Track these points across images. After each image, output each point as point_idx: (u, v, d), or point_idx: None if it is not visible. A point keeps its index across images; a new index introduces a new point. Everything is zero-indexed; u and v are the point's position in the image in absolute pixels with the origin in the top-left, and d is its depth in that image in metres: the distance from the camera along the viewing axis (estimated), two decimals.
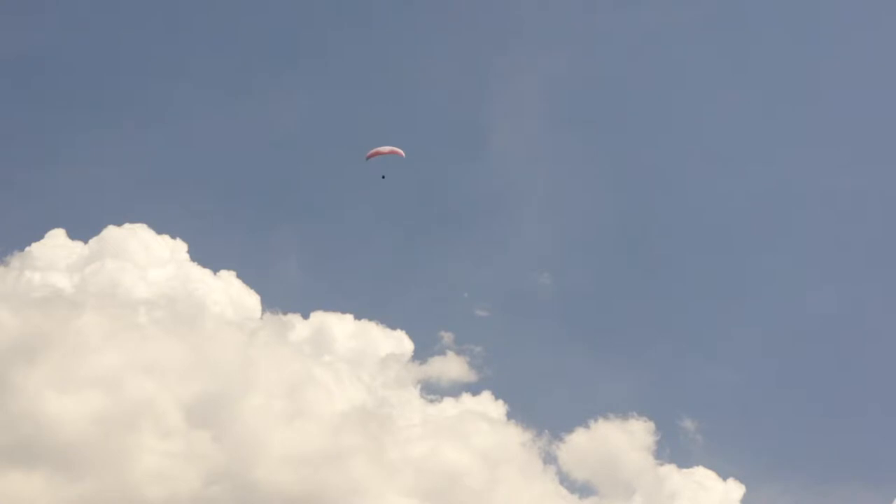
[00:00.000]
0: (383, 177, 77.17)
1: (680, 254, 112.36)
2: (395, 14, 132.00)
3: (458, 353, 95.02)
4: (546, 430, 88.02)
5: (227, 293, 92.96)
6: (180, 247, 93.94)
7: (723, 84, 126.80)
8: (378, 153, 74.17)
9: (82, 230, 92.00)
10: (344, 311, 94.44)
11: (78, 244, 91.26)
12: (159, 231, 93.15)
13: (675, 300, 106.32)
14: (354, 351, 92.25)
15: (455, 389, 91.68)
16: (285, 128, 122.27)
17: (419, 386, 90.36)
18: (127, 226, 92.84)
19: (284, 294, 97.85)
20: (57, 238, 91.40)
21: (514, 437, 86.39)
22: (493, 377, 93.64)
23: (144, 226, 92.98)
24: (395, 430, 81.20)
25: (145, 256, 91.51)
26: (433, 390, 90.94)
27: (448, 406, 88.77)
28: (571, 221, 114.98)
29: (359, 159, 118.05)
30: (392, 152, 74.16)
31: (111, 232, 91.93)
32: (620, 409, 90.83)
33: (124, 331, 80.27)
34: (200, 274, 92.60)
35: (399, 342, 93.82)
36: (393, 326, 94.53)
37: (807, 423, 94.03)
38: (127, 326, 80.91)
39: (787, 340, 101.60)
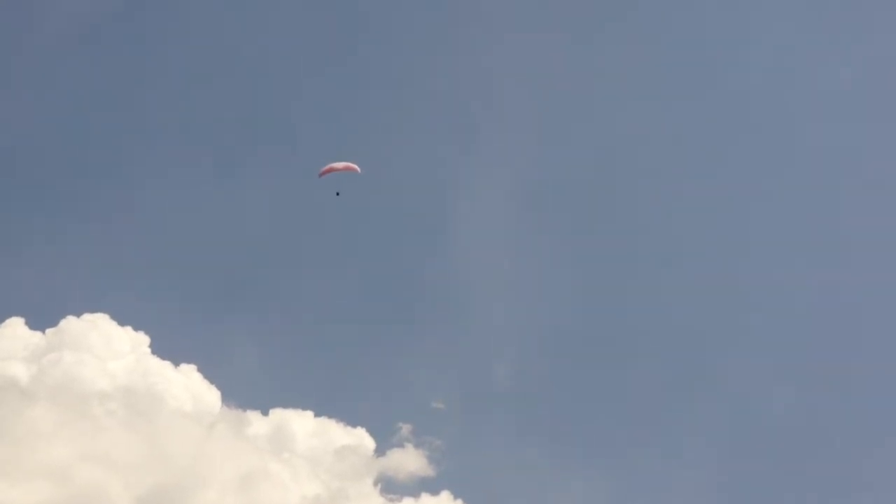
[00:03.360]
0: (337, 194, 75.80)
1: (643, 352, 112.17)
2: (360, 106, 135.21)
3: (417, 445, 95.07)
4: None
5: (187, 387, 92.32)
6: (142, 339, 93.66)
7: (689, 182, 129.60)
8: (332, 169, 71.98)
9: (42, 319, 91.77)
10: (304, 408, 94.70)
11: (37, 334, 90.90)
12: (122, 322, 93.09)
13: (637, 399, 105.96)
14: (313, 448, 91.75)
15: (414, 485, 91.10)
16: (250, 222, 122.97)
17: (378, 485, 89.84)
18: (87, 316, 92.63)
19: (245, 389, 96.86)
20: (15, 327, 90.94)
21: None
22: (451, 472, 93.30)
23: (106, 316, 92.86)
24: None
25: (105, 348, 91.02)
26: (391, 485, 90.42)
27: None
28: (534, 316, 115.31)
29: (322, 252, 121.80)
30: (347, 168, 72.25)
31: (70, 322, 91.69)
32: None
33: (78, 422, 79.48)
34: (160, 367, 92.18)
35: (359, 439, 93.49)
36: (353, 424, 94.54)
37: None
38: (82, 418, 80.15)
39: (748, 442, 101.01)
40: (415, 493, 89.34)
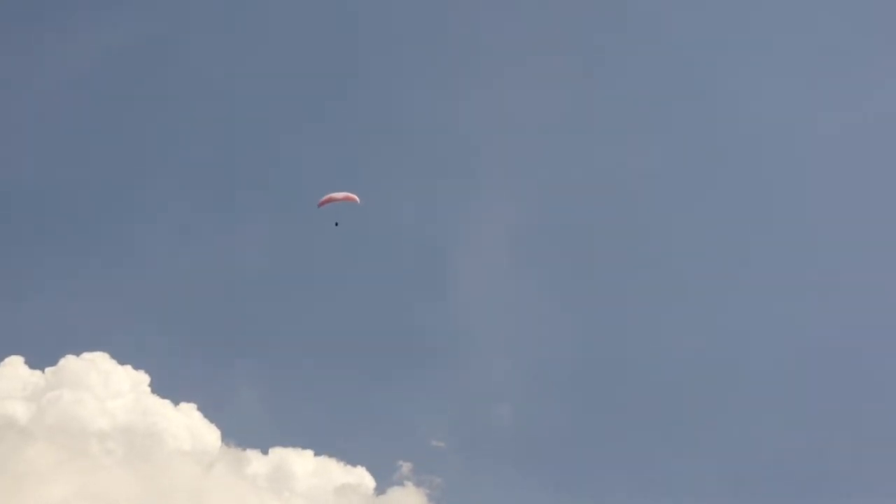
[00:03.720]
0: (336, 224, 75.69)
1: (645, 396, 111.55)
2: (362, 150, 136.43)
3: (417, 484, 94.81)
4: None
5: (187, 426, 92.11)
6: (142, 378, 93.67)
7: (687, 224, 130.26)
8: (332, 199, 71.87)
9: (42, 358, 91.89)
10: (304, 447, 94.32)
11: (36, 373, 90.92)
12: (122, 361, 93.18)
13: (637, 440, 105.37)
14: (313, 487, 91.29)
15: None
16: (250, 261, 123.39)
17: None
18: (87, 355, 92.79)
19: (245, 428, 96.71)
20: (15, 366, 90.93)
21: None
22: None
23: (106, 355, 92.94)
24: None
25: (105, 387, 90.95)
26: None
27: None
28: (534, 356, 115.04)
29: (322, 292, 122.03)
30: (347, 198, 72.11)
31: (70, 361, 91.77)
32: None
33: (77, 461, 79.18)
34: (160, 406, 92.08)
35: (359, 478, 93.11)
36: (353, 462, 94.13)
37: None
38: (81, 457, 79.90)
39: (751, 488, 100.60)
40: None
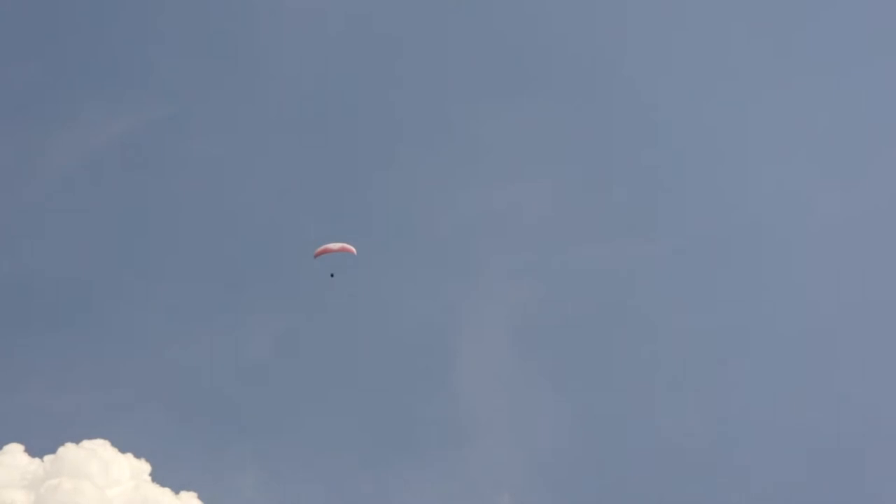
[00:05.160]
0: (332, 275, 75.41)
1: (648, 487, 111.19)
2: (362, 239, 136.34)
3: None
4: None
5: None
6: (143, 467, 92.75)
7: (689, 314, 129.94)
8: (327, 251, 71.91)
9: (41, 446, 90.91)
10: None
11: (35, 461, 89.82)
12: (122, 449, 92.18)
13: None
14: None
15: None
16: (252, 351, 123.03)
17: None
18: (86, 443, 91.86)
19: None
20: (14, 454, 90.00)
21: None
22: None
23: (106, 443, 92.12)
24: None
25: (104, 475, 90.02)
26: None
27: None
28: (536, 452, 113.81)
29: (322, 382, 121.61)
30: (343, 249, 72.07)
31: (69, 449, 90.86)
32: None
33: None
34: (160, 494, 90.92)
35: None
36: None
37: None
38: None
39: None
40: None
